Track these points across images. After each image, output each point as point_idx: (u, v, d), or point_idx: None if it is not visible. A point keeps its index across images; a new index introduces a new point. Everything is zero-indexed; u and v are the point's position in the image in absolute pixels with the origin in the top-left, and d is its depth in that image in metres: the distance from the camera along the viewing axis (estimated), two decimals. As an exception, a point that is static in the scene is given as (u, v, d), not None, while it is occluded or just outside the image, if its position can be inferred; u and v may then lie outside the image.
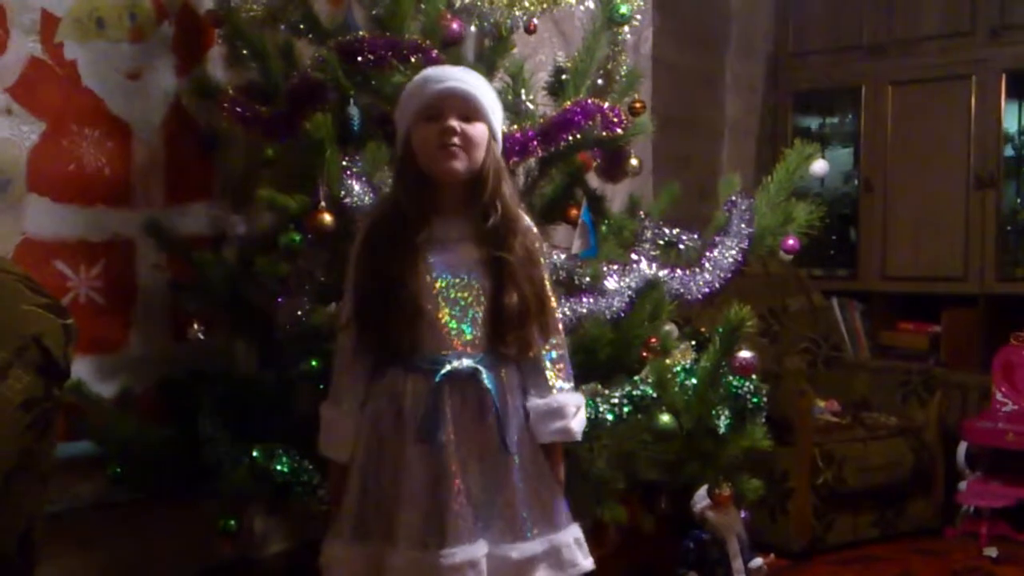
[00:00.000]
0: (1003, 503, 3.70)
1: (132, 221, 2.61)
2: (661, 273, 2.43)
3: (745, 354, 2.35)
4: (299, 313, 2.27)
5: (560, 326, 1.98)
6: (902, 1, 4.62)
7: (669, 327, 2.50)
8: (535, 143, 2.36)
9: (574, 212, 2.59)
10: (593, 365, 2.28)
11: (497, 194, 1.88)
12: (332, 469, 1.97)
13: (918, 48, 4.61)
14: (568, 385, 1.95)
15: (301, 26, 2.57)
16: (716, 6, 4.76)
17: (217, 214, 2.78)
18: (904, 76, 4.60)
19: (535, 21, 2.66)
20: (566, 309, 2.28)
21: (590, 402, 2.20)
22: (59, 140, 2.49)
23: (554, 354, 1.94)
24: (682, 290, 2.45)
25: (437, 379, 1.82)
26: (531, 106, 2.58)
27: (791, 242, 2.57)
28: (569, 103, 2.42)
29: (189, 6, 2.72)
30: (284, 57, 2.58)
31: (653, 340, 2.41)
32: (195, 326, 2.54)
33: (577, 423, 1.94)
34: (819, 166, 2.67)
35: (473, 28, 2.58)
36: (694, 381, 2.36)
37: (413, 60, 2.30)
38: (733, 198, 2.57)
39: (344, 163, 2.25)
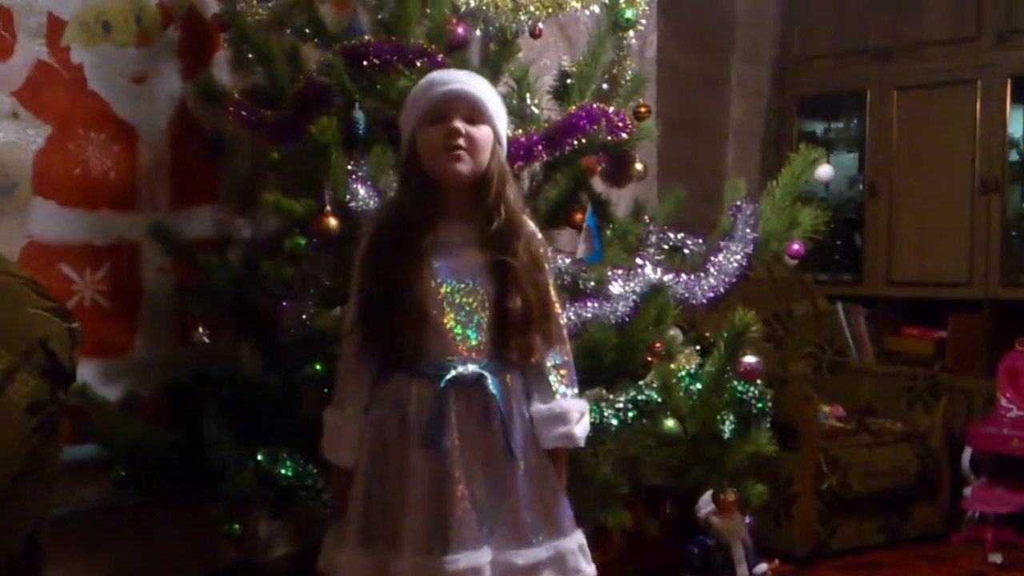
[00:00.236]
0: (1008, 509, 3.69)
1: (137, 225, 2.61)
2: (666, 278, 2.42)
3: (750, 359, 2.35)
4: (304, 317, 2.27)
5: (564, 332, 1.98)
6: (908, 5, 4.62)
7: (674, 332, 2.50)
8: (540, 147, 2.36)
9: (579, 216, 2.59)
10: (598, 370, 2.28)
11: (501, 198, 1.88)
12: (336, 474, 1.96)
13: (923, 53, 4.61)
14: (572, 391, 1.94)
15: (307, 30, 2.58)
16: (721, 10, 4.77)
17: (222, 218, 2.78)
18: (909, 81, 4.60)
19: (540, 25, 2.66)
20: (571, 314, 2.28)
21: (595, 407, 2.20)
22: (65, 144, 2.49)
23: (558, 359, 1.94)
24: (687, 295, 2.44)
25: (442, 384, 1.82)
26: (536, 110, 2.58)
27: (796, 247, 2.57)
28: (574, 107, 2.43)
29: (195, 10, 2.72)
30: (290, 61, 2.58)
31: (658, 345, 2.41)
32: (200, 330, 2.54)
33: (580, 429, 1.93)
34: (824, 171, 2.67)
35: (478, 32, 2.59)
36: (699, 386, 2.35)
37: (418, 64, 2.30)
38: (738, 203, 2.57)
39: (349, 167, 2.25)
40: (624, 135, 2.48)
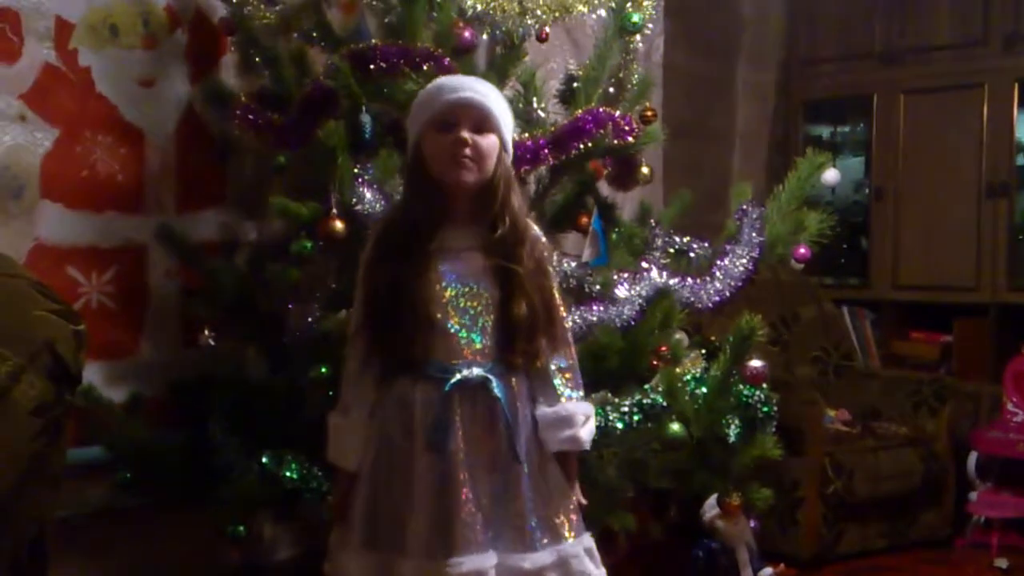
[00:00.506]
0: (1014, 513, 3.68)
1: (144, 227, 2.62)
2: (672, 281, 2.42)
3: (755, 363, 2.35)
4: (309, 320, 2.27)
5: (569, 335, 1.98)
6: (914, 10, 4.61)
7: (679, 335, 2.50)
8: (546, 151, 2.37)
9: (585, 220, 2.60)
10: (603, 373, 2.28)
11: (507, 205, 1.88)
12: (339, 477, 1.96)
13: (930, 57, 4.60)
14: (577, 394, 1.95)
15: (314, 34, 2.58)
16: (728, 14, 4.76)
17: (229, 221, 2.78)
18: (916, 85, 4.59)
19: (547, 29, 2.67)
20: (576, 317, 2.28)
21: (600, 410, 2.20)
22: (72, 146, 2.50)
23: (563, 363, 1.94)
24: (693, 298, 2.44)
25: (447, 388, 1.82)
26: (542, 114, 2.58)
27: (802, 251, 2.57)
28: (580, 111, 2.43)
29: (202, 14, 2.73)
30: (297, 65, 2.59)
31: (663, 348, 2.41)
32: (206, 332, 2.55)
33: (586, 432, 1.93)
34: (830, 175, 2.68)
35: (485, 36, 2.59)
36: (704, 390, 2.35)
37: (425, 68, 2.30)
38: (744, 206, 2.57)
39: (356, 170, 2.26)
40: (630, 139, 2.48)
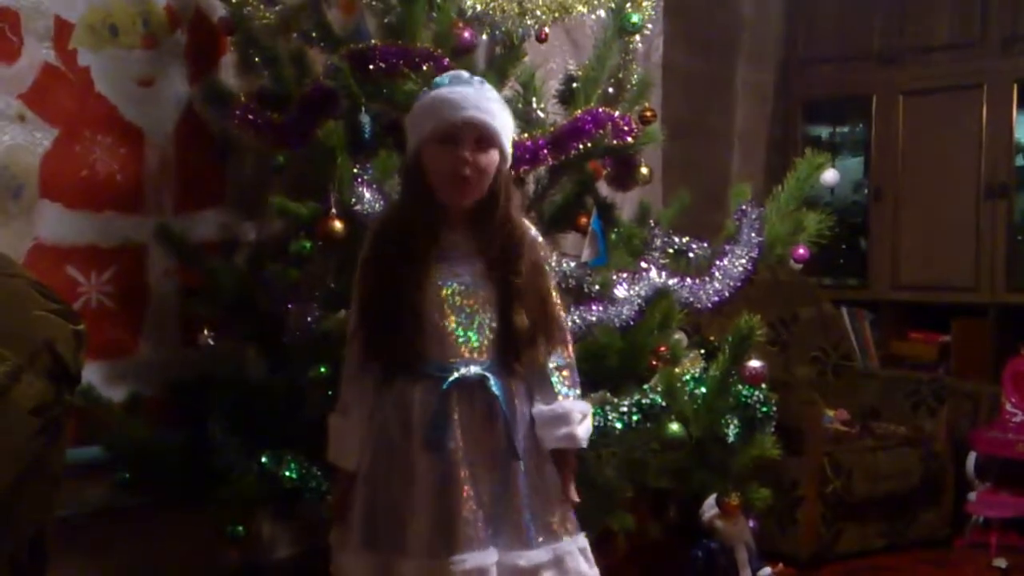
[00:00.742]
0: (1013, 513, 3.68)
1: (143, 227, 2.62)
2: (671, 281, 2.43)
3: (754, 363, 2.35)
4: (309, 319, 2.27)
5: (567, 333, 1.98)
6: (914, 10, 4.61)
7: (678, 336, 2.50)
8: (546, 151, 2.37)
9: (584, 220, 2.60)
10: (602, 373, 2.28)
11: (506, 215, 1.88)
12: (339, 477, 1.97)
13: (929, 57, 4.60)
14: (574, 392, 1.95)
15: (313, 34, 2.58)
16: (727, 15, 4.76)
17: (228, 221, 2.79)
18: (915, 85, 4.59)
19: (546, 30, 2.67)
20: (576, 317, 2.29)
21: (599, 410, 2.20)
22: (72, 146, 2.50)
23: (560, 360, 1.94)
24: (692, 299, 2.45)
25: (445, 387, 1.82)
26: (542, 114, 2.58)
27: (801, 251, 2.57)
28: (580, 111, 2.43)
29: (202, 13, 2.73)
30: (296, 65, 2.59)
31: (662, 348, 2.41)
32: (205, 332, 2.55)
33: (583, 430, 1.93)
34: (830, 175, 2.68)
35: (484, 37, 2.59)
36: (703, 390, 2.35)
37: (425, 68, 2.31)
38: (743, 207, 2.57)
39: (355, 170, 2.26)
40: (629, 139, 2.49)
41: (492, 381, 1.85)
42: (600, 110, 2.42)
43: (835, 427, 3.86)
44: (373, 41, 2.44)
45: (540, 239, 1.97)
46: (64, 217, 2.49)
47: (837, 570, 3.50)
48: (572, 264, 2.41)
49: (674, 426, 2.28)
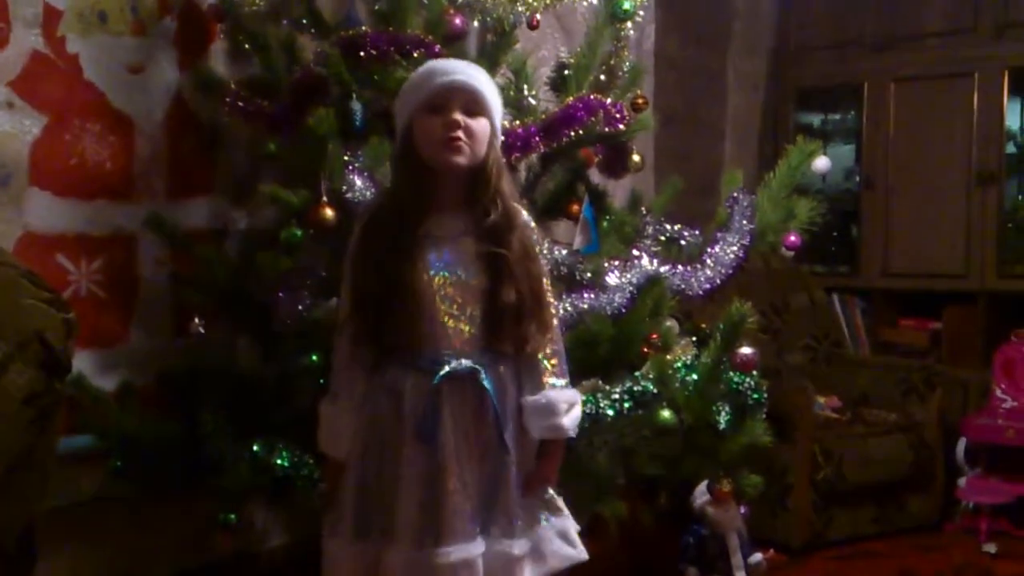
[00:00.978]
0: (1002, 499, 3.70)
1: (134, 215, 2.61)
2: (662, 269, 2.43)
3: (746, 350, 2.36)
4: (300, 308, 2.27)
5: (556, 321, 1.98)
6: (905, -3, 4.62)
7: (670, 323, 2.50)
8: (537, 139, 2.36)
9: (576, 208, 2.59)
10: (594, 361, 2.28)
11: (498, 191, 1.88)
12: (329, 466, 1.97)
13: (921, 45, 4.60)
14: (562, 381, 1.94)
15: (304, 21, 2.57)
16: (719, 2, 4.76)
17: (219, 209, 2.77)
18: (906, 73, 4.60)
19: (538, 16, 2.65)
20: (567, 305, 2.28)
21: (590, 398, 2.20)
22: (61, 134, 2.49)
23: (548, 349, 1.93)
24: (683, 286, 2.45)
25: (436, 381, 1.82)
26: (533, 101, 2.58)
27: (792, 239, 2.57)
28: (571, 99, 2.43)
29: (191, 0, 2.72)
30: (286, 52, 2.58)
31: (654, 336, 2.41)
32: (196, 320, 2.54)
33: (570, 420, 1.93)
34: (821, 163, 2.68)
35: (476, 23, 2.58)
36: (695, 377, 2.36)
37: (415, 55, 2.30)
38: (735, 194, 2.57)
39: (346, 158, 2.25)
40: (621, 126, 2.48)
41: (483, 374, 1.84)
42: (592, 97, 2.42)
43: (826, 414, 3.88)
44: (364, 28, 2.43)
45: (532, 224, 1.97)
46: (54, 205, 2.48)
47: (828, 556, 3.51)
48: (564, 252, 2.41)
49: (665, 413, 2.28)
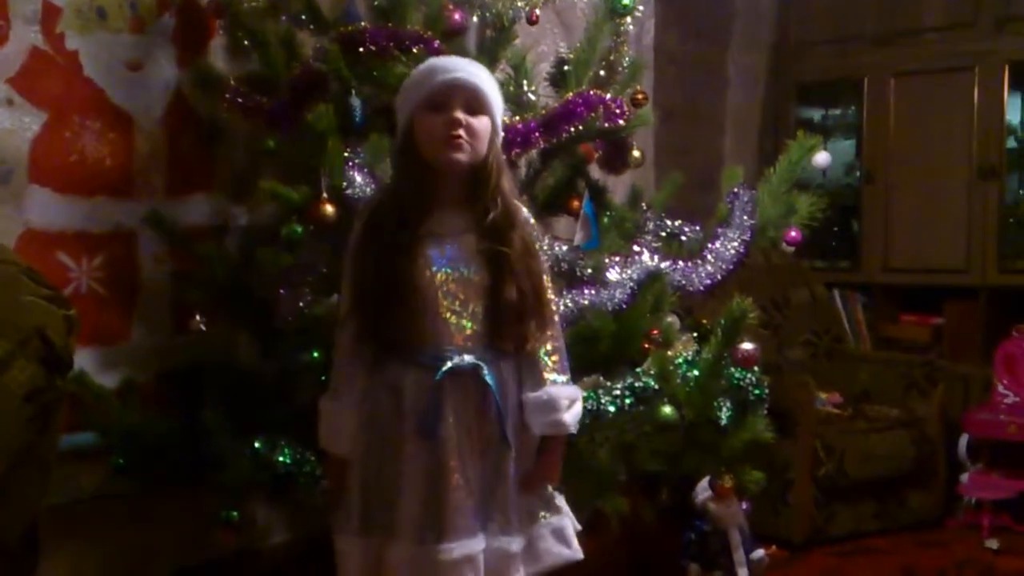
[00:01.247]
0: (1004, 495, 3.70)
1: (134, 212, 2.60)
2: (663, 265, 2.43)
3: (747, 346, 2.36)
4: (301, 304, 2.27)
5: (556, 318, 1.98)
6: (905, -8, 4.61)
7: (671, 319, 2.50)
8: (537, 134, 2.36)
9: (576, 203, 2.59)
10: (595, 357, 2.28)
11: (499, 189, 1.88)
12: (331, 463, 1.97)
13: (921, 39, 4.60)
14: (563, 378, 1.94)
15: (303, 17, 2.56)
16: (719, -3, 4.76)
17: (219, 205, 2.77)
18: (907, 67, 4.59)
19: (537, 12, 2.65)
20: (568, 301, 2.28)
21: (592, 394, 2.20)
22: (61, 131, 2.49)
23: (549, 346, 1.93)
24: (684, 282, 2.44)
25: (438, 377, 1.82)
26: (533, 97, 2.57)
27: (793, 234, 2.57)
28: (571, 94, 2.42)
29: (190, -3, 2.72)
30: (286, 48, 2.57)
31: (655, 332, 2.41)
32: (197, 317, 2.54)
33: (571, 416, 1.93)
34: (821, 158, 2.67)
35: (475, 19, 2.58)
36: (696, 373, 2.36)
37: (415, 51, 2.30)
38: (735, 190, 2.57)
39: (346, 154, 2.25)
40: (621, 122, 2.48)
41: (485, 371, 1.84)
42: (591, 93, 2.41)
43: (827, 409, 3.88)
44: (363, 23, 2.42)
45: (532, 220, 1.97)
46: (54, 202, 2.48)
47: (829, 552, 3.51)
48: (564, 248, 2.41)
49: (667, 409, 2.28)
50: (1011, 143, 4.39)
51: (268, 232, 2.47)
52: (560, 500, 1.97)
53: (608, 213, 2.66)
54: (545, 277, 1.94)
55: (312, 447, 2.12)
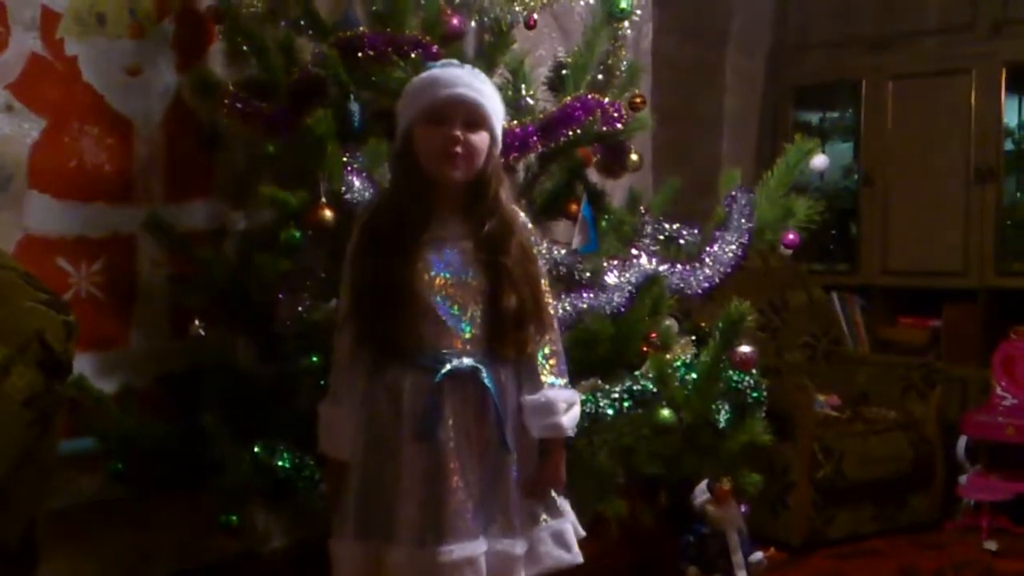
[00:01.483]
0: (1003, 497, 3.70)
1: (133, 217, 2.61)
2: (661, 268, 2.43)
3: (745, 348, 2.36)
4: (300, 309, 2.27)
5: (555, 321, 1.98)
6: (902, -5, 4.62)
7: (669, 322, 2.50)
8: (535, 139, 2.37)
9: (574, 207, 2.60)
10: (593, 360, 2.29)
11: (497, 200, 1.89)
12: (331, 467, 1.97)
13: (918, 42, 4.60)
14: (561, 381, 1.95)
15: (301, 22, 2.57)
16: (716, 1, 4.76)
17: (217, 210, 2.78)
18: (905, 70, 4.60)
19: (535, 16, 2.66)
20: (566, 304, 2.29)
21: (590, 397, 2.20)
22: (60, 137, 2.49)
23: (547, 349, 1.94)
24: (682, 285, 2.45)
25: (437, 379, 1.82)
26: (531, 101, 2.58)
27: (791, 237, 2.57)
28: (569, 98, 2.43)
29: (189, 2, 2.72)
30: (284, 53, 2.58)
31: (653, 335, 2.41)
32: (196, 322, 2.54)
33: (568, 419, 1.93)
34: (819, 161, 2.67)
35: (473, 23, 2.58)
36: (694, 376, 2.36)
37: (413, 56, 2.30)
38: (733, 193, 2.58)
39: (345, 159, 2.25)
40: (619, 126, 2.49)
41: (484, 374, 1.85)
42: (589, 97, 2.42)
43: (826, 412, 3.88)
44: (361, 29, 2.43)
45: (529, 225, 1.97)
46: (53, 208, 2.49)
47: (828, 554, 3.51)
48: (563, 251, 2.41)
49: (665, 412, 2.28)
50: (1008, 145, 4.39)
51: (267, 237, 2.47)
52: (563, 504, 1.97)
53: (606, 217, 2.67)
54: (543, 281, 1.95)
55: (311, 451, 2.12)
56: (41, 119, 2.46)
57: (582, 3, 2.62)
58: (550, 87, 2.68)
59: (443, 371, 1.83)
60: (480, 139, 1.86)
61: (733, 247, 2.50)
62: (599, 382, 2.28)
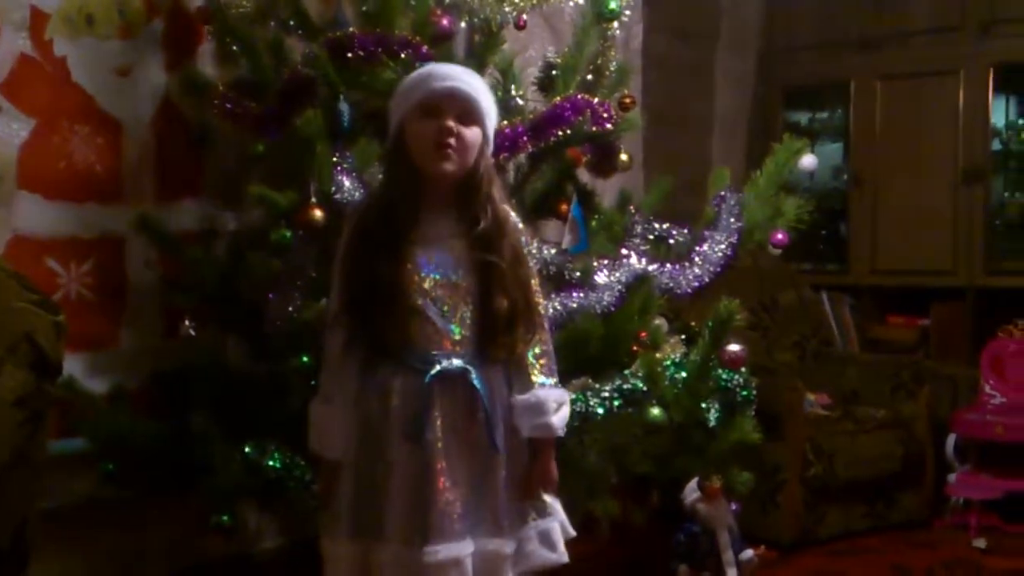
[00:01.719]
0: (992, 495, 3.72)
1: (122, 218, 2.61)
2: (651, 268, 2.44)
3: (734, 347, 2.37)
4: (290, 309, 2.27)
5: (545, 320, 1.98)
6: (891, -5, 4.64)
7: (659, 321, 2.51)
8: (525, 139, 2.37)
9: (564, 207, 2.60)
10: (583, 359, 2.29)
11: (489, 198, 1.89)
12: (322, 466, 1.97)
13: (907, 42, 4.63)
14: (551, 380, 1.94)
15: (291, 22, 2.57)
16: (706, 1, 4.77)
17: (207, 210, 2.77)
18: (893, 71, 4.62)
19: (525, 16, 2.66)
20: (556, 304, 2.29)
21: (581, 396, 2.21)
22: (49, 137, 2.49)
23: (537, 349, 1.93)
24: (672, 284, 2.46)
25: (427, 380, 1.83)
26: (521, 101, 2.59)
27: (780, 236, 2.58)
28: (559, 99, 2.44)
29: (179, 2, 2.72)
30: (274, 53, 2.58)
31: (643, 334, 2.42)
32: (186, 322, 2.54)
33: (558, 419, 1.93)
34: (808, 161, 2.69)
35: (463, 24, 2.59)
36: (684, 375, 2.37)
37: (403, 56, 2.30)
38: (723, 193, 2.58)
39: (334, 159, 2.25)
40: (609, 126, 2.49)
41: (474, 375, 1.85)
42: (579, 97, 2.43)
43: (816, 411, 3.89)
44: (351, 29, 2.43)
45: (520, 225, 1.98)
46: (43, 208, 2.48)
47: (819, 552, 3.52)
48: (553, 251, 2.42)
49: (655, 411, 2.29)
50: (996, 145, 4.42)
51: (257, 237, 2.47)
52: (553, 503, 1.97)
53: (596, 216, 2.67)
54: (534, 283, 1.95)
55: (302, 451, 2.12)
56: (30, 119, 2.45)
57: (572, 3, 2.62)
58: (540, 87, 2.69)
59: (432, 372, 1.83)
60: (473, 134, 1.86)
61: (723, 247, 2.51)
62: (589, 381, 2.28)
